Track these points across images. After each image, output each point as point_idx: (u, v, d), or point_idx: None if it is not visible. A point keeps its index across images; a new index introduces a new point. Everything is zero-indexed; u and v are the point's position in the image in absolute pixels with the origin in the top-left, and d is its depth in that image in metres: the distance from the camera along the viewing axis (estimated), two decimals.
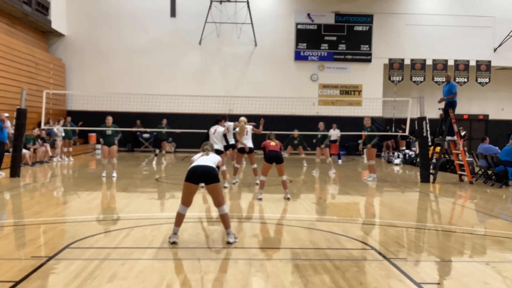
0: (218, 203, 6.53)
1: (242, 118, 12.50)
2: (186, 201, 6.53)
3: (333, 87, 27.06)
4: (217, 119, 12.26)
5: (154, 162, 19.02)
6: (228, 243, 6.48)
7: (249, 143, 12.51)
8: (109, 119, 14.35)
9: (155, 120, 22.65)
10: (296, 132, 18.22)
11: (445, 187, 13.70)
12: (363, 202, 11.02)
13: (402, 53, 26.74)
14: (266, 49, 26.53)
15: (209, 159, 6.68)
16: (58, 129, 19.19)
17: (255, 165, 12.71)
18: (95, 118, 22.94)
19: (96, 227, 7.45)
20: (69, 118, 22.77)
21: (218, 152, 10.51)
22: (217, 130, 11.86)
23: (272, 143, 10.57)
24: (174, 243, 6.40)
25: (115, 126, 14.48)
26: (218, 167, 6.74)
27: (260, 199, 10.28)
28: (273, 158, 10.28)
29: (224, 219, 6.57)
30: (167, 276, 5.10)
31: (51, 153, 19.06)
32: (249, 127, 12.61)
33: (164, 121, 19.41)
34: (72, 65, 25.91)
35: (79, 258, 5.71)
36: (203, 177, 6.44)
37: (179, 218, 6.51)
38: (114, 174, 13.98)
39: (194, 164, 6.58)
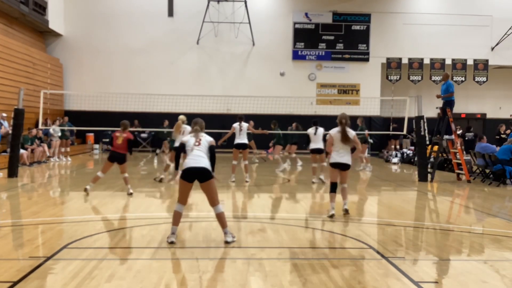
0: (213, 202, 6.56)
1: (181, 117, 12.64)
2: (182, 199, 6.56)
3: (331, 87, 27.07)
4: (239, 117, 13.46)
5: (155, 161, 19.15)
6: (226, 242, 6.48)
7: (243, 140, 13.20)
8: (167, 121, 14.94)
9: (153, 120, 22.67)
10: (295, 132, 18.27)
11: (443, 186, 13.72)
12: (361, 201, 11.02)
13: (400, 52, 26.76)
14: (264, 48, 26.52)
15: (203, 152, 6.56)
16: (54, 129, 19.16)
17: (246, 162, 13.54)
18: (93, 118, 23.01)
19: (94, 227, 7.44)
20: (66, 118, 22.73)
21: (243, 146, 13.06)
22: (242, 125, 13.21)
23: (119, 141, 10.51)
24: (172, 243, 6.39)
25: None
26: (212, 146, 6.66)
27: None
28: (114, 157, 10.58)
29: (220, 218, 6.58)
30: (165, 275, 5.09)
31: (49, 153, 19.03)
32: (244, 125, 13.28)
33: (166, 122, 19.46)
34: (69, 65, 25.87)
35: (77, 258, 5.70)
36: (197, 176, 6.48)
37: (177, 217, 6.54)
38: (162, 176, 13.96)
39: (188, 166, 6.49)
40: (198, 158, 6.52)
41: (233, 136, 13.41)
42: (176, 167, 6.78)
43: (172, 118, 21.51)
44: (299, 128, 17.80)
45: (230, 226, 7.42)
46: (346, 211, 8.62)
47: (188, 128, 12.77)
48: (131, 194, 10.64)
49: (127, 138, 10.54)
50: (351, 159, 8.58)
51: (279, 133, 17.07)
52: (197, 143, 6.64)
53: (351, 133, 8.49)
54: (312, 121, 13.55)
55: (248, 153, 13.55)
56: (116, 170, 15.84)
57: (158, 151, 19.85)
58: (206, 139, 6.72)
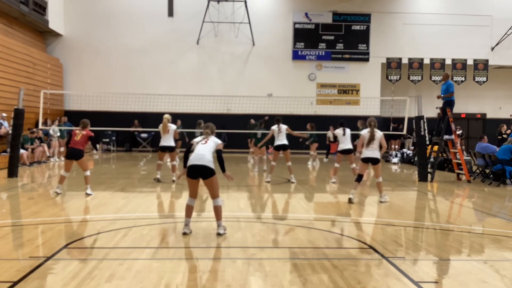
0: (214, 195, 6.96)
1: (166, 116, 12.80)
2: (192, 193, 6.98)
3: (331, 87, 27.06)
4: (277, 119, 13.51)
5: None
6: (219, 234, 6.82)
7: (283, 141, 13.18)
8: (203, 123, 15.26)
9: (153, 120, 22.65)
10: (309, 131, 18.46)
11: (443, 186, 13.72)
12: (361, 201, 11.02)
13: (400, 52, 26.76)
14: (264, 48, 26.51)
15: (207, 150, 6.91)
16: (54, 130, 19.16)
17: (289, 163, 13.50)
18: (93, 118, 22.93)
19: (94, 227, 7.44)
20: (64, 118, 22.71)
21: (284, 147, 13.00)
22: (281, 127, 13.21)
23: (77, 137, 10.44)
24: (185, 234, 6.78)
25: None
26: (219, 150, 7.06)
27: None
28: (70, 154, 10.44)
29: (217, 211, 6.95)
30: (165, 276, 5.09)
31: (49, 153, 19.04)
32: (283, 127, 13.32)
33: (179, 122, 19.37)
34: (69, 65, 25.87)
35: (77, 258, 5.70)
36: (200, 174, 6.84)
37: (188, 210, 6.96)
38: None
39: (190, 163, 6.86)
40: (200, 156, 6.85)
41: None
42: (185, 165, 6.98)
43: (172, 118, 21.52)
44: (314, 128, 18.33)
45: (231, 225, 7.43)
46: (381, 202, 10.06)
47: (173, 126, 12.86)
48: (89, 194, 10.46)
49: (87, 135, 10.51)
50: (379, 154, 9.95)
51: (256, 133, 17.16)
52: (204, 142, 7.02)
53: (379, 133, 9.92)
54: (339, 122, 13.76)
55: (289, 154, 13.54)
56: (113, 171, 15.87)
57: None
58: (214, 140, 7.10)
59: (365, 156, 9.91)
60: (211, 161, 6.87)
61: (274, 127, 13.35)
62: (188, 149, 7.12)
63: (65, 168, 10.72)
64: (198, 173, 6.82)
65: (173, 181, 12.93)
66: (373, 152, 9.87)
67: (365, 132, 9.98)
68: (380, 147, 9.98)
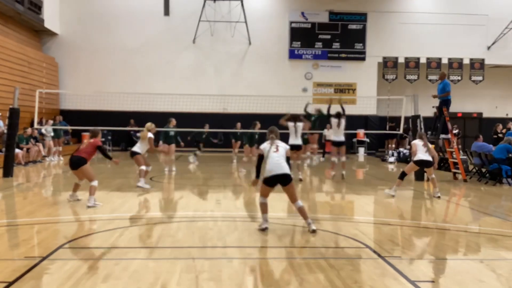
0: (295, 199, 7.24)
1: (147, 125, 12.29)
2: (266, 195, 7.33)
3: (327, 86, 27.07)
4: (294, 116, 13.51)
5: (195, 160, 18.82)
6: (313, 231, 7.01)
7: (298, 141, 13.35)
8: (174, 121, 15.83)
9: (149, 119, 22.59)
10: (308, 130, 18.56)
11: (439, 185, 13.64)
12: (358, 201, 11.03)
13: (396, 52, 26.78)
14: (260, 47, 26.49)
15: (281, 156, 7.21)
16: (46, 129, 19.10)
17: (298, 162, 13.81)
18: (89, 117, 22.93)
19: (90, 227, 7.41)
20: (60, 117, 22.61)
21: (298, 147, 13.21)
22: (297, 125, 13.32)
23: (83, 145, 9.56)
24: (266, 228, 7.09)
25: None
26: (288, 157, 7.36)
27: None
28: (70, 162, 9.38)
29: (302, 211, 7.25)
30: (161, 275, 5.07)
31: (44, 153, 18.98)
32: (299, 125, 13.39)
33: (173, 122, 18.79)
34: (65, 64, 25.78)
35: (73, 258, 5.68)
36: (281, 181, 7.16)
37: (264, 207, 7.29)
38: (174, 169, 15.56)
39: (273, 173, 7.11)
40: (280, 165, 7.17)
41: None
42: (257, 176, 7.39)
43: (168, 117, 21.44)
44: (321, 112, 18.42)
45: (227, 225, 7.42)
46: (438, 197, 10.88)
47: (149, 134, 12.14)
48: (89, 207, 9.05)
49: (95, 144, 9.46)
50: (431, 159, 10.98)
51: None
52: (275, 149, 7.29)
53: (429, 144, 11.26)
54: (336, 112, 13.98)
55: (302, 153, 13.94)
56: (109, 170, 15.85)
57: (198, 152, 19.28)
58: (282, 146, 7.41)
59: (420, 159, 10.90)
60: (288, 168, 7.19)
61: (290, 124, 13.24)
62: (261, 160, 7.31)
63: (78, 177, 9.74)
64: (278, 181, 7.13)
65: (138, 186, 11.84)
66: (427, 156, 10.91)
67: (417, 141, 11.12)
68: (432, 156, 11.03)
